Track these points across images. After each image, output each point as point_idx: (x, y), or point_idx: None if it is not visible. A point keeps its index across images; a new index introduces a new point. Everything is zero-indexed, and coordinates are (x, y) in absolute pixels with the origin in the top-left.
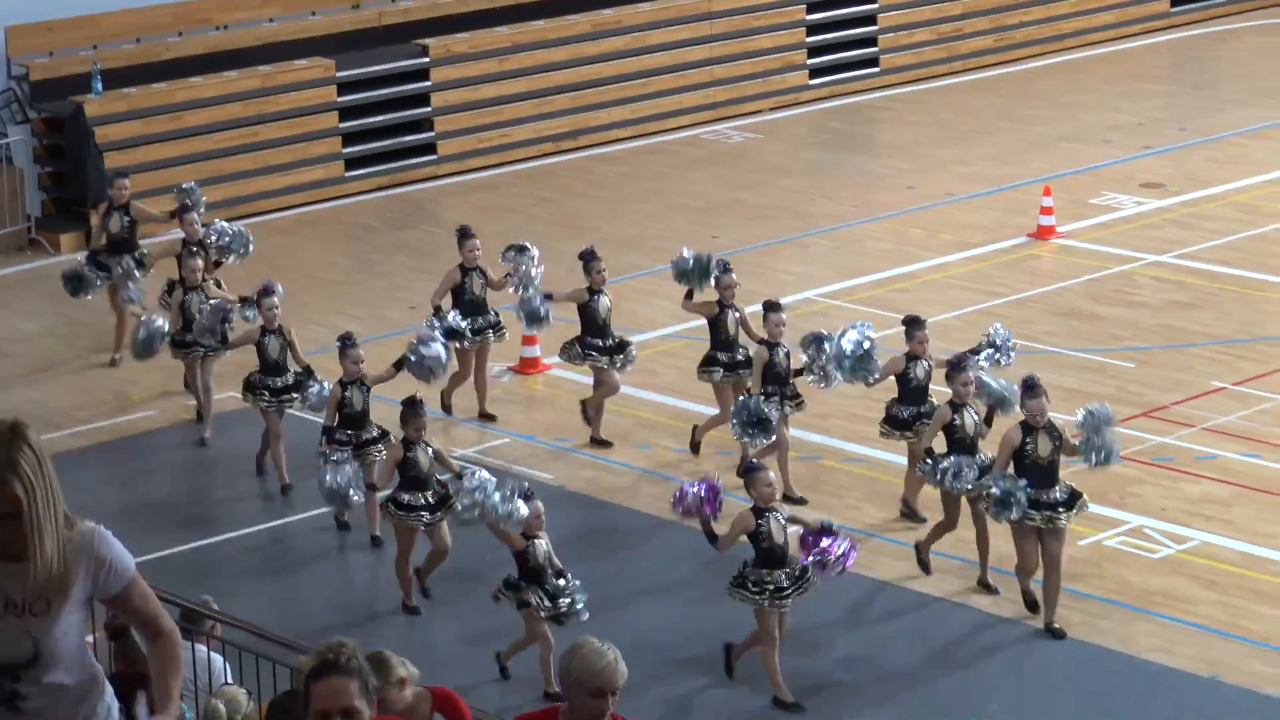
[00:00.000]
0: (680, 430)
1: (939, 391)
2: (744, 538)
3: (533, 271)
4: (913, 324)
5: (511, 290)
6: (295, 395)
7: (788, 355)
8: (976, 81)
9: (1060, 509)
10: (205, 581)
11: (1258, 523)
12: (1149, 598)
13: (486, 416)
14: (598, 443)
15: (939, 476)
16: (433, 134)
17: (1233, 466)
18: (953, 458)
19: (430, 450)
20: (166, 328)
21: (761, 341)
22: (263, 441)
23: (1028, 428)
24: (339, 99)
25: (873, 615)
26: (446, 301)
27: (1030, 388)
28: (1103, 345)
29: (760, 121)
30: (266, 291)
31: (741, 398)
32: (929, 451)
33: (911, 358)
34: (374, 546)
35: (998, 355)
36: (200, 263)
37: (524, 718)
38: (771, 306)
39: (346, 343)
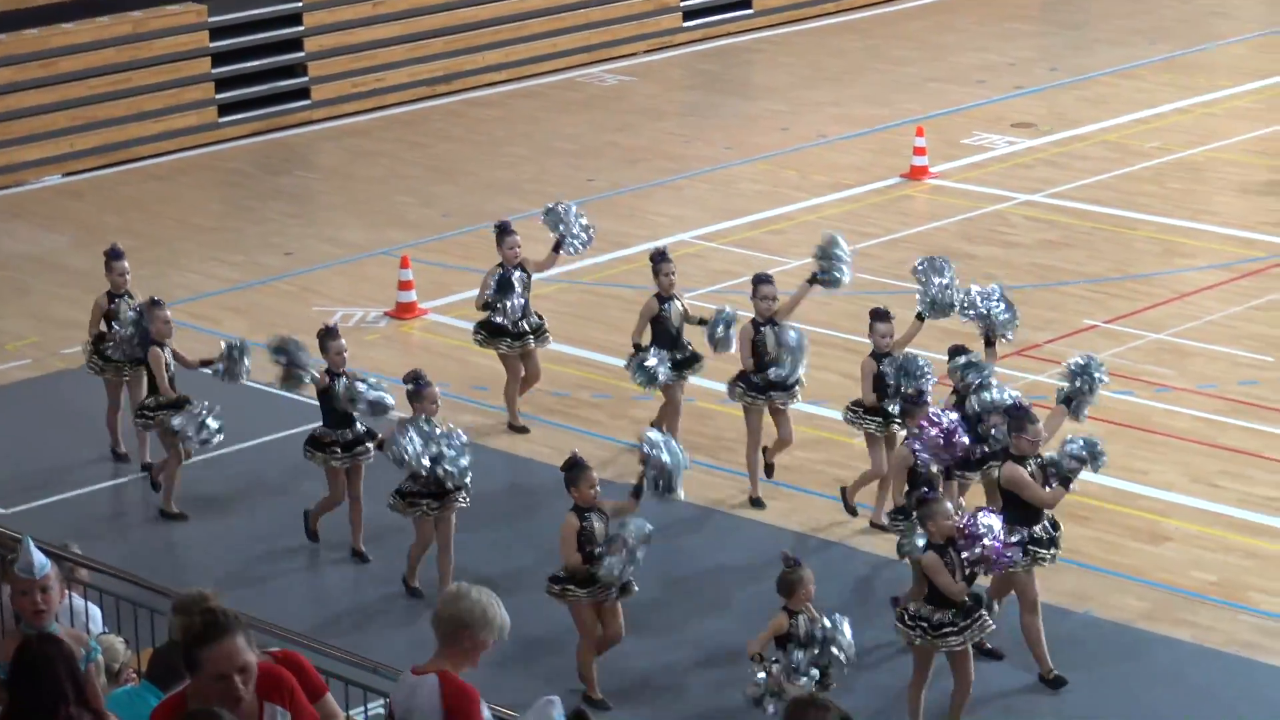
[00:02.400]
0: (557, 374)
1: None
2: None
3: (575, 228)
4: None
5: (565, 253)
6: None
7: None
8: (848, 23)
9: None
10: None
11: (1130, 459)
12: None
13: (517, 429)
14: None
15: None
16: (306, 79)
17: (1106, 404)
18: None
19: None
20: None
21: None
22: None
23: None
24: (211, 44)
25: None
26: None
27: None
28: (976, 285)
29: (635, 64)
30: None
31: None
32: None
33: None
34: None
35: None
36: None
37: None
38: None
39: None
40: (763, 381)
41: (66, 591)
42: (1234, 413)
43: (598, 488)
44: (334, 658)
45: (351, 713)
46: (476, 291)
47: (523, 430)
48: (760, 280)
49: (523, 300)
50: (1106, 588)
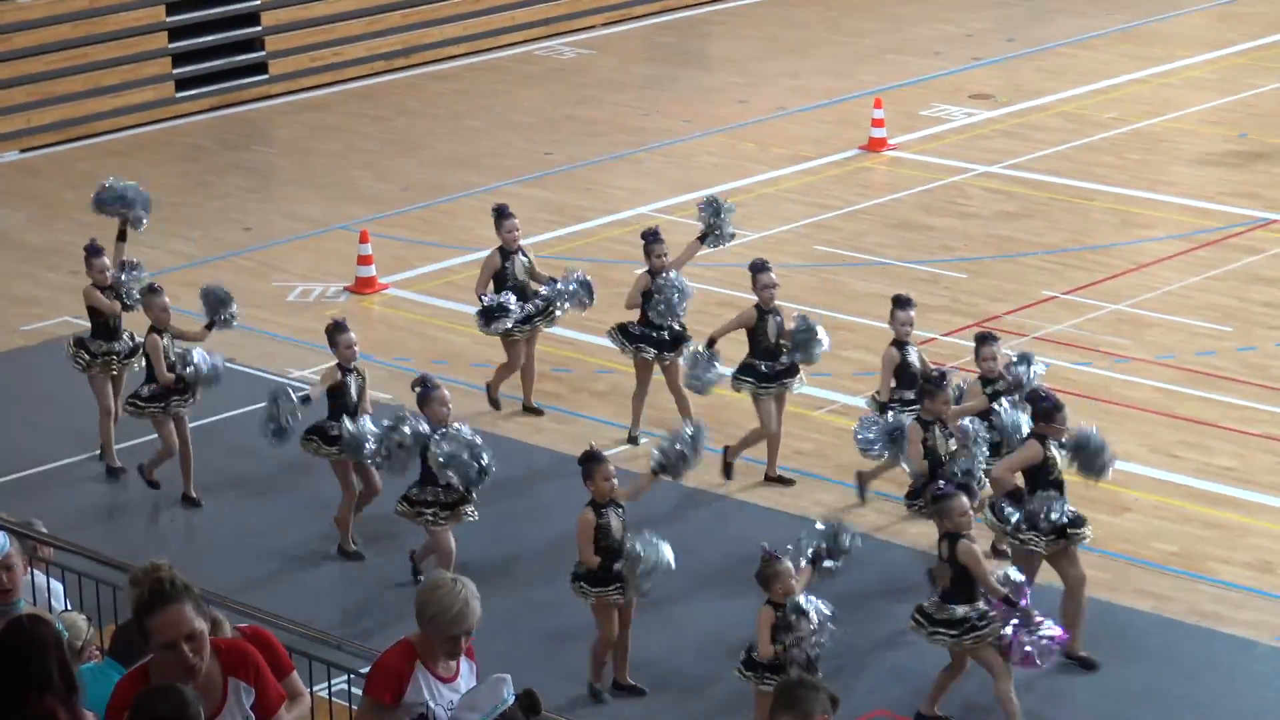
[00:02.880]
0: None
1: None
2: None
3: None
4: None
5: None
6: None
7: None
8: None
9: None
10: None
11: None
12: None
13: (532, 410)
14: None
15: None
16: (264, 53)
17: (1064, 374)
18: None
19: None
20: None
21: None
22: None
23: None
24: (168, 19)
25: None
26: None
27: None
28: (935, 256)
29: (593, 37)
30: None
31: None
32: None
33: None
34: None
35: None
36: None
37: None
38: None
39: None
40: (770, 370)
41: (28, 568)
42: (1192, 383)
43: (614, 479)
44: (296, 633)
45: (315, 688)
46: (437, 266)
47: (496, 407)
48: (759, 269)
49: (522, 306)
50: None
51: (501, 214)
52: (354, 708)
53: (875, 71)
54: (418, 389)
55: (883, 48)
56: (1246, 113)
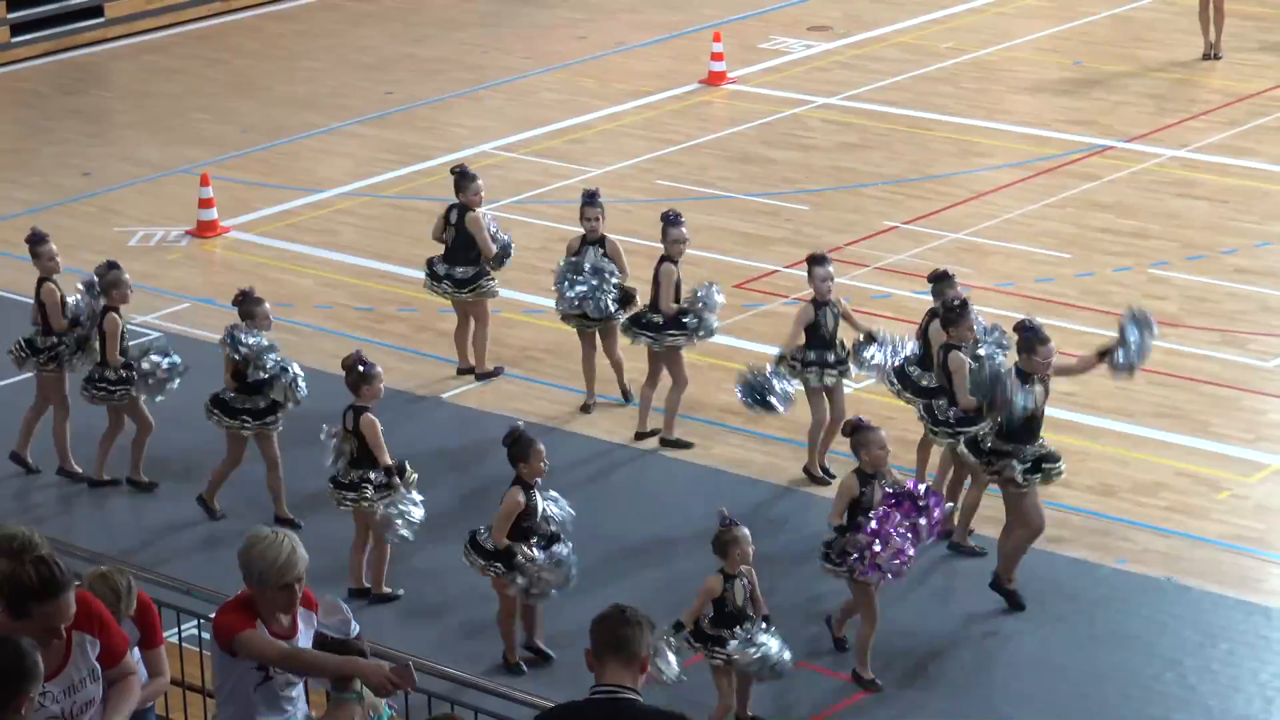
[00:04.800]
0: (360, 289)
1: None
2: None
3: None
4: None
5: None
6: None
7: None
8: None
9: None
10: None
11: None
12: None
13: (468, 372)
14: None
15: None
16: None
17: (907, 304)
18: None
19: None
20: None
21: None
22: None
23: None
24: None
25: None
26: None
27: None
28: (776, 189)
29: None
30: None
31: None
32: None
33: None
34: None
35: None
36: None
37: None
38: (589, 198)
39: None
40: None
41: None
42: (1032, 309)
43: (547, 461)
44: (148, 580)
45: (167, 634)
46: (279, 208)
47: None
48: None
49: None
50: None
51: (464, 176)
52: (205, 653)
53: (714, 5)
54: (361, 368)
55: None
56: (1081, 40)
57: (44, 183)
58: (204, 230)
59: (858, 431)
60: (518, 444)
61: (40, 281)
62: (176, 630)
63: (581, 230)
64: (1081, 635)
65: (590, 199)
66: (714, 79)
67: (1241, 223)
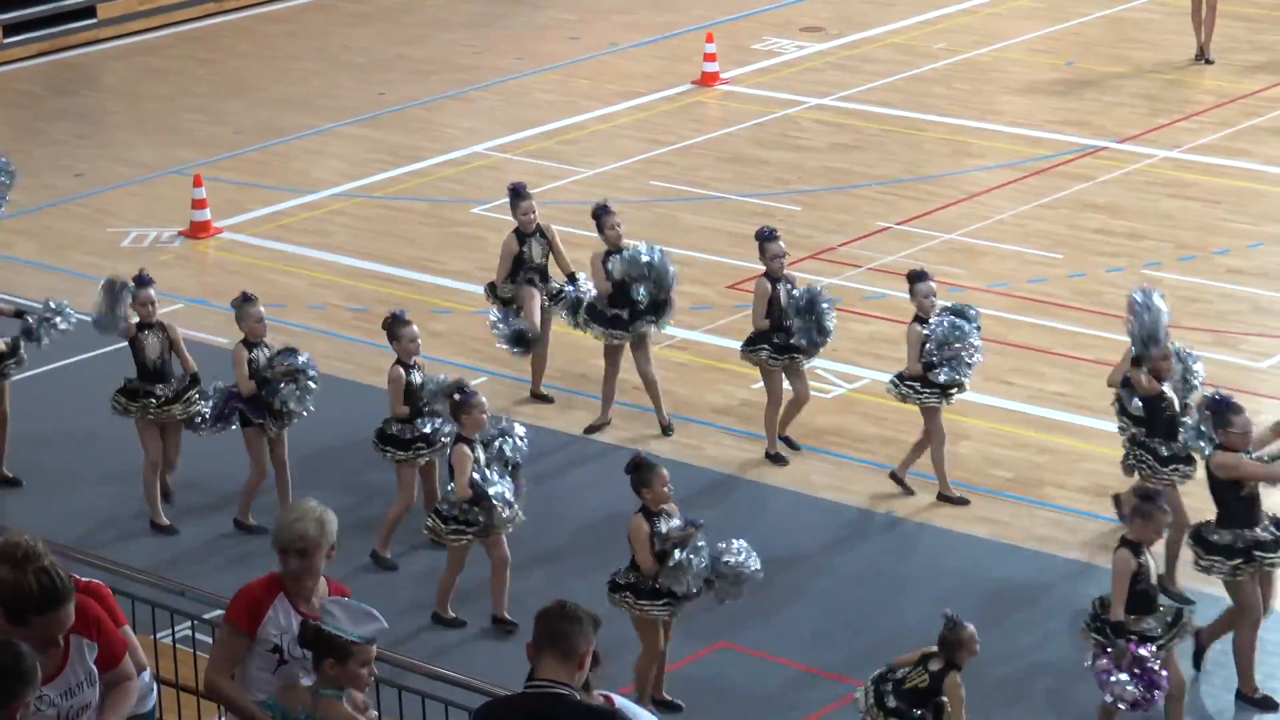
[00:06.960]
0: (352, 289)
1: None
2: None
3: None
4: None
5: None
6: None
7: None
8: None
9: None
10: None
11: None
12: (821, 437)
13: (540, 397)
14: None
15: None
16: None
17: (899, 305)
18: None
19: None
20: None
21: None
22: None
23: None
24: None
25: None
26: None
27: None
28: (769, 189)
29: None
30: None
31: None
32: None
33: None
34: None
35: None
36: None
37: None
38: (602, 210)
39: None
40: (782, 342)
41: None
42: (1024, 310)
43: (671, 485)
44: (143, 581)
45: (159, 636)
46: (271, 209)
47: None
48: (767, 237)
49: (545, 298)
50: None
51: (518, 194)
52: (198, 654)
53: (706, 6)
54: (456, 396)
55: None
56: (1073, 41)
57: (36, 184)
58: (197, 231)
59: (639, 470)
60: (639, 471)
61: None
62: (170, 632)
63: (604, 246)
64: (1078, 636)
65: (604, 210)
66: (707, 80)
67: (1234, 223)
